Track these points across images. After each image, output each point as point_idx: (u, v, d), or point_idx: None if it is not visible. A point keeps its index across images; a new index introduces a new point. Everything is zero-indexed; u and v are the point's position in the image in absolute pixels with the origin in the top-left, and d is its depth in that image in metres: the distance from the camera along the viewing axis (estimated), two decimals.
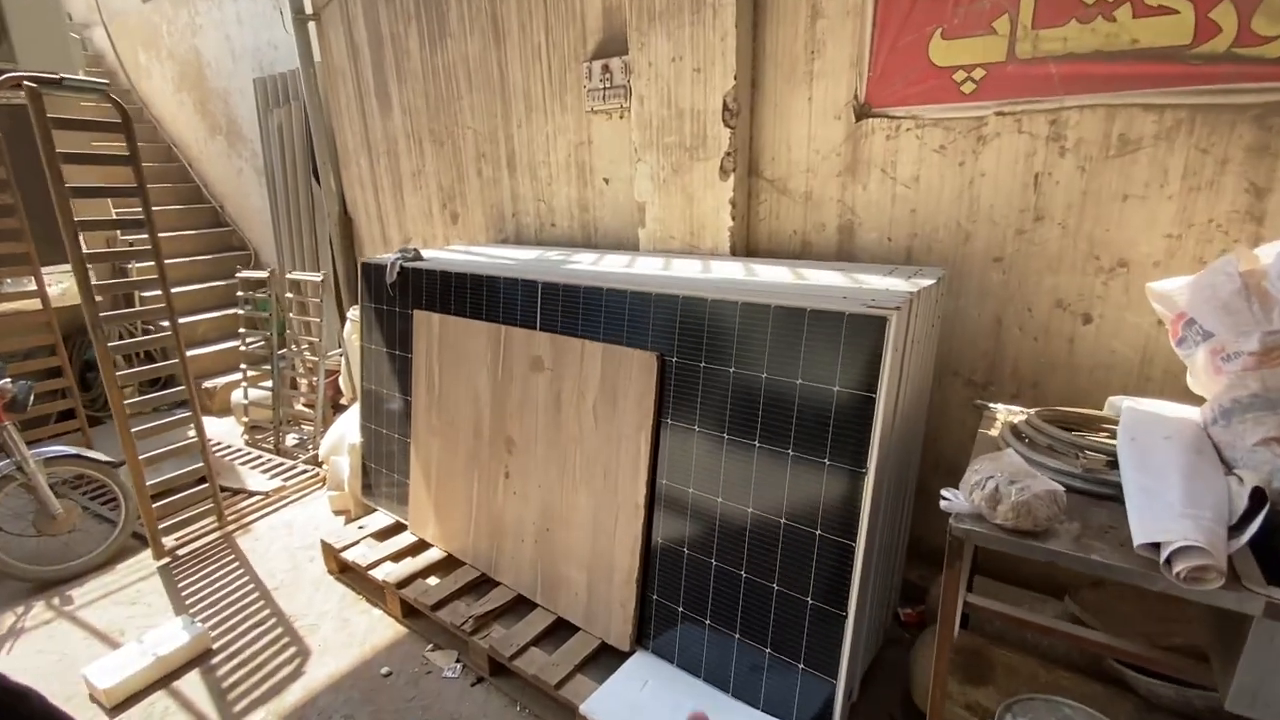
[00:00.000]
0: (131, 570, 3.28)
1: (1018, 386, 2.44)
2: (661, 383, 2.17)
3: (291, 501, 3.89)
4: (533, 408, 2.54)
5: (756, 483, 1.98)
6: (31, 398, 3.47)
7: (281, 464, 4.34)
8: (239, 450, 4.59)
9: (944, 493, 1.54)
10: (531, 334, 2.52)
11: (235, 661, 2.63)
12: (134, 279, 5.26)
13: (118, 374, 3.25)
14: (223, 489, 4.02)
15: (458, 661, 2.54)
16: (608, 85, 3.09)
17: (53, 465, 3.27)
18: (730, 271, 2.45)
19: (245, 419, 4.76)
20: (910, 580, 2.66)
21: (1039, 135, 2.20)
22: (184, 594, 3.07)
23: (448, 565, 3.01)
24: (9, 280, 4.63)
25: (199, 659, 2.64)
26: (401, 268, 3.06)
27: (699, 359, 2.08)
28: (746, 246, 2.94)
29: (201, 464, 3.49)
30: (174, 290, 5.89)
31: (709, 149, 2.75)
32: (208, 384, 5.48)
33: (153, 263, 3.38)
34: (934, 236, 2.47)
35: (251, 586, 3.10)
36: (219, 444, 4.73)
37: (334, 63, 4.49)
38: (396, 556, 3.06)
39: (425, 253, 3.31)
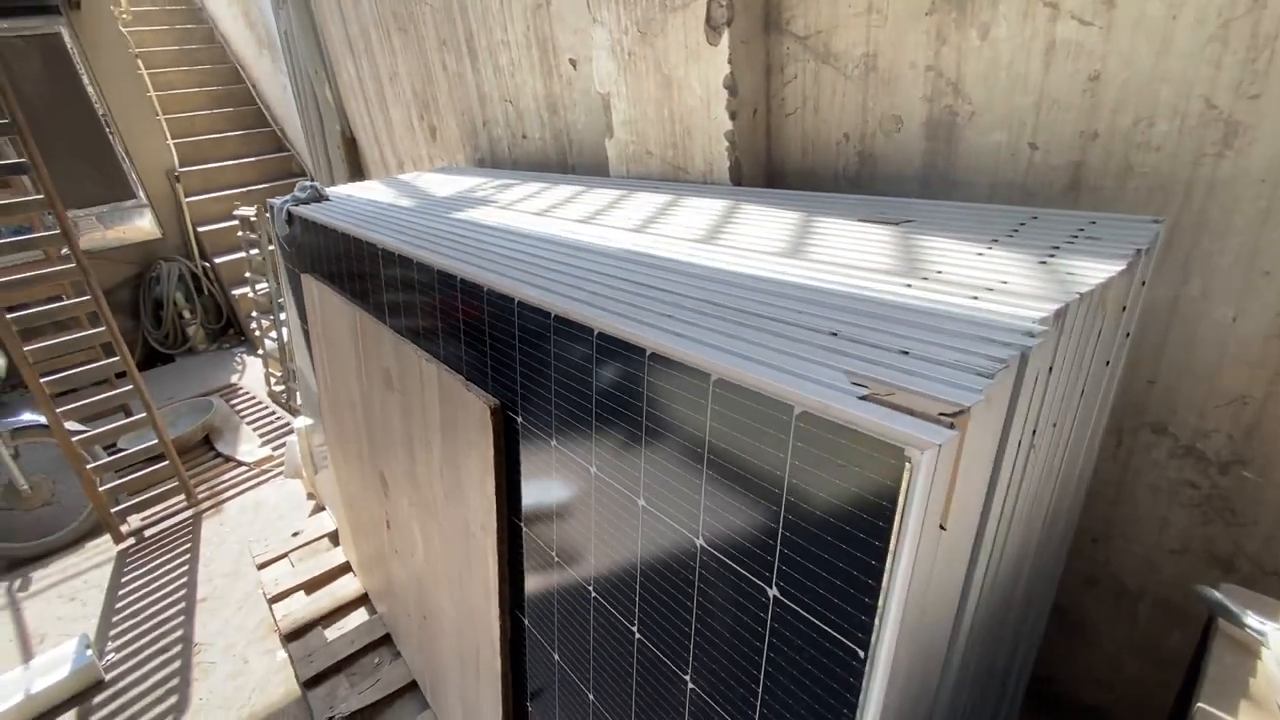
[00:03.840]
0: (95, 552, 3.04)
1: None
2: (509, 454, 1.16)
3: (273, 476, 3.47)
4: (393, 442, 1.66)
5: (641, 708, 0.95)
6: (1, 362, 3.26)
7: (287, 424, 3.95)
8: (258, 404, 4.29)
9: None
10: (380, 329, 1.59)
11: (112, 707, 2.21)
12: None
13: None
14: (217, 455, 3.73)
15: None
16: None
17: (21, 436, 3.03)
18: (692, 224, 1.30)
19: (266, 369, 4.44)
20: None
21: None
22: (120, 594, 2.74)
23: (370, 604, 2.35)
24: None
25: (85, 694, 2.26)
26: (289, 214, 2.22)
27: (546, 428, 1.02)
28: (766, 165, 1.70)
29: (156, 441, 3.10)
30: (230, 224, 5.72)
31: None
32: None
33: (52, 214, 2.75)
34: (1138, 136, 1.10)
35: (183, 594, 2.70)
36: (246, 394, 4.48)
37: None
38: (319, 582, 2.46)
39: (338, 190, 2.44)
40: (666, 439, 0.77)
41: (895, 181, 1.45)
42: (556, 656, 1.15)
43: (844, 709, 0.62)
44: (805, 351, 0.68)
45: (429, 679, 1.82)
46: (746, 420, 0.65)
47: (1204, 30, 0.99)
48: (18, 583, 2.90)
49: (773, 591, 0.67)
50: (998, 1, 1.18)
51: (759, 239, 1.13)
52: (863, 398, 0.57)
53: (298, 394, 4.14)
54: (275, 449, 3.66)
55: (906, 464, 0.51)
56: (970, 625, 0.81)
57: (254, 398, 4.40)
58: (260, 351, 4.37)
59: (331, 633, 2.24)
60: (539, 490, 1.09)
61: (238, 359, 5.28)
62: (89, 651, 2.32)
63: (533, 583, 1.18)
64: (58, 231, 2.72)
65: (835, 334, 0.71)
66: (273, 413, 4.14)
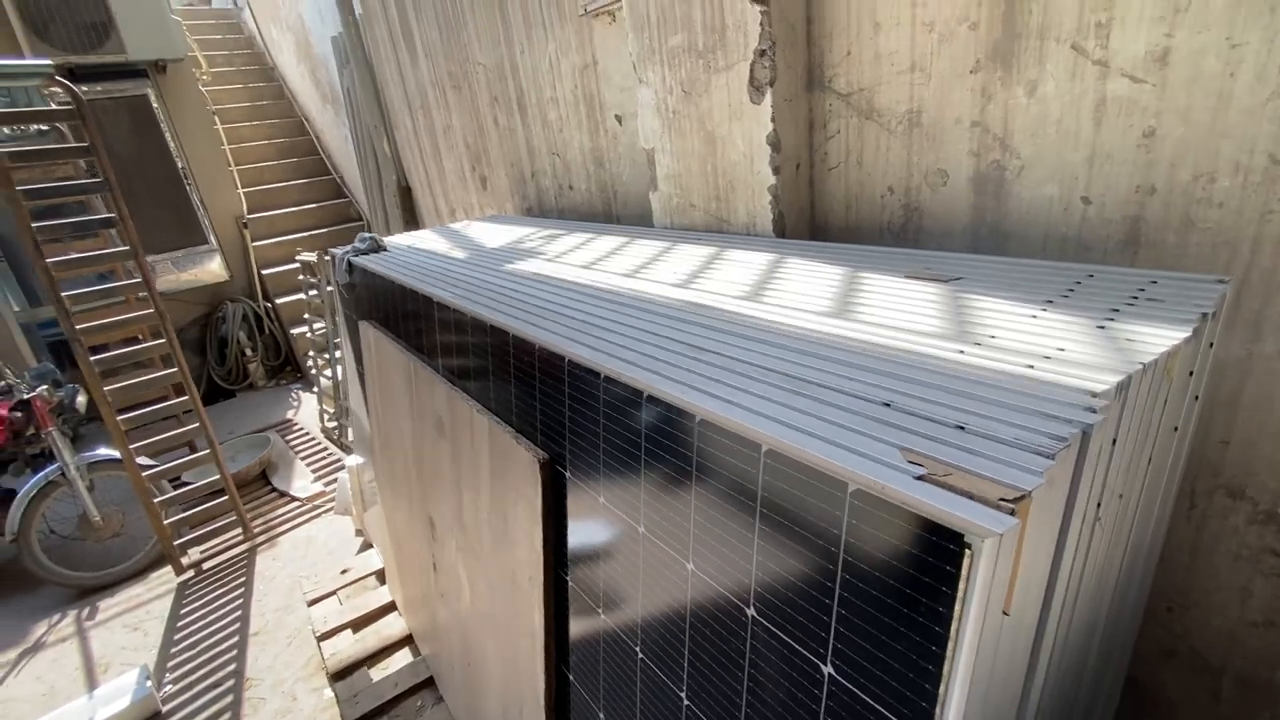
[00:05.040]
0: (158, 583, 3.17)
1: None
2: (557, 508, 1.18)
3: (325, 511, 3.57)
4: (443, 486, 1.70)
5: None
6: (80, 398, 3.48)
7: (338, 460, 4.08)
8: (312, 439, 4.45)
9: None
10: (434, 379, 1.65)
11: None
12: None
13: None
14: (273, 489, 3.86)
15: None
16: None
17: (97, 469, 3.22)
18: (736, 280, 1.32)
19: (320, 406, 4.61)
20: None
21: None
22: (179, 625, 2.84)
23: (415, 644, 2.37)
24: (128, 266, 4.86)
25: None
26: (349, 264, 2.34)
27: (595, 485, 1.04)
28: (810, 218, 1.72)
29: (218, 476, 3.24)
30: (290, 267, 6.04)
31: (730, 50, 1.56)
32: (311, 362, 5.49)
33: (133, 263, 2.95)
34: (1199, 191, 1.07)
35: (236, 628, 2.77)
36: (300, 429, 4.66)
37: (369, 5, 3.85)
38: (366, 620, 2.50)
39: (395, 240, 2.56)
40: (717, 505, 0.78)
41: (943, 234, 1.45)
42: (602, 716, 1.14)
43: None
44: (858, 423, 0.68)
45: None
46: (799, 493, 0.66)
47: (1265, 87, 0.97)
48: (86, 611, 3.03)
49: (827, 669, 0.66)
50: (1045, 60, 1.18)
51: (805, 296, 1.14)
52: (919, 478, 0.57)
53: (349, 431, 4.28)
54: (327, 485, 3.77)
55: (967, 550, 0.51)
56: (1037, 707, 0.78)
57: (308, 433, 4.56)
58: (315, 389, 4.54)
59: (376, 673, 2.27)
60: (586, 546, 1.11)
61: (294, 395, 5.50)
62: (148, 683, 2.40)
63: (579, 639, 1.18)
64: (139, 279, 2.93)
65: (888, 404, 0.71)
66: (325, 448, 4.28)
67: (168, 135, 5.48)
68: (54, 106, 3.94)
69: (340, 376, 4.22)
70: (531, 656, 1.30)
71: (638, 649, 0.99)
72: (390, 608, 2.55)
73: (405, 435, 1.94)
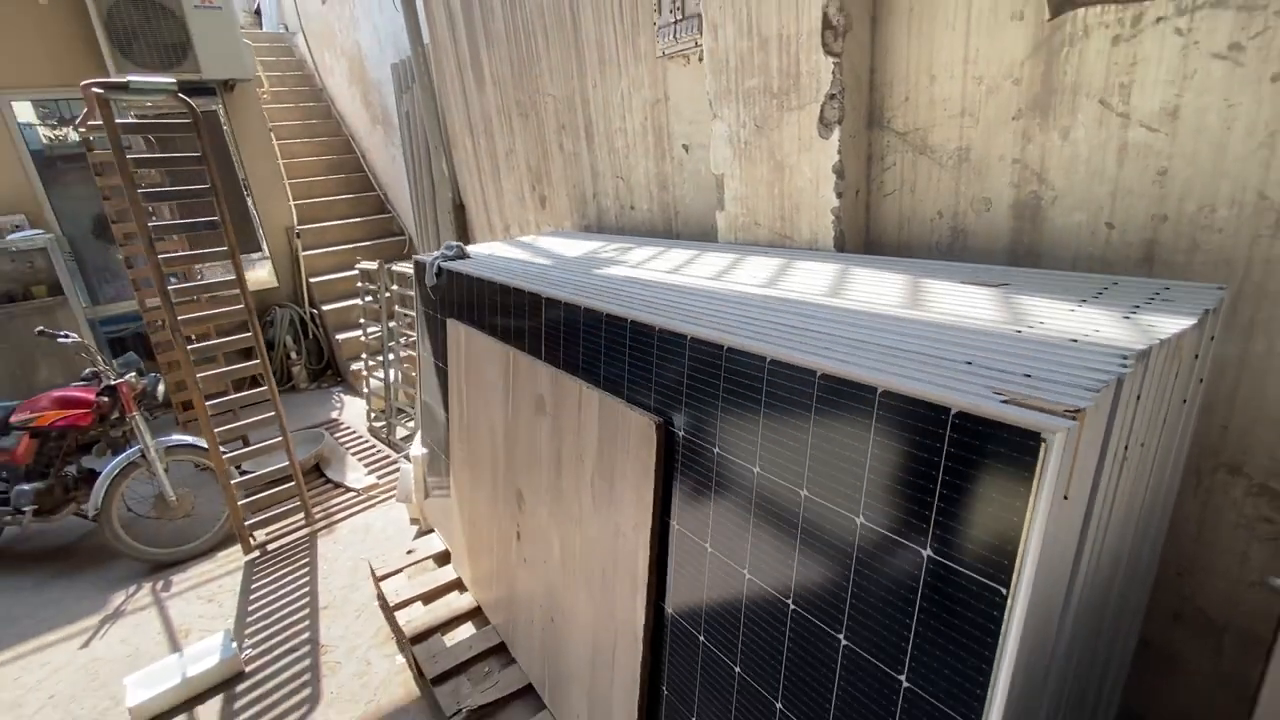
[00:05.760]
0: (227, 561, 3.39)
1: None
2: (668, 465, 1.42)
3: (380, 502, 3.80)
4: (538, 460, 1.93)
5: (790, 669, 1.16)
6: (161, 388, 3.74)
7: (387, 456, 4.31)
8: (359, 437, 4.69)
9: None
10: (535, 364, 1.90)
11: (254, 695, 2.48)
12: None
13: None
14: (327, 480, 4.09)
15: None
16: (679, 17, 2.28)
17: (173, 453, 3.46)
18: (813, 282, 1.57)
19: (369, 407, 4.86)
20: None
21: None
22: (251, 598, 3.06)
23: (482, 615, 2.58)
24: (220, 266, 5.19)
25: (228, 682, 2.54)
26: (439, 268, 2.61)
27: (710, 439, 1.28)
28: (866, 237, 1.98)
29: (287, 463, 3.48)
30: (336, 276, 6.35)
31: (803, 92, 1.84)
32: (356, 365, 5.76)
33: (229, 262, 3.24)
34: (1202, 220, 1.33)
35: (306, 601, 2.99)
36: (346, 428, 4.90)
37: (438, 36, 4.20)
38: (433, 595, 2.71)
39: (476, 249, 2.84)
40: (833, 440, 1.02)
41: (985, 252, 1.70)
42: (702, 638, 1.36)
43: (987, 638, 0.83)
44: (949, 373, 0.93)
45: (549, 681, 2.02)
46: (910, 420, 0.90)
47: (1254, 139, 1.23)
48: (160, 584, 3.25)
49: (927, 552, 0.89)
50: (1076, 111, 1.45)
51: (878, 295, 1.39)
52: (1005, 401, 0.81)
53: (398, 429, 4.53)
54: (381, 478, 4.00)
55: (1043, 444, 0.75)
56: (1080, 596, 1.00)
57: (355, 431, 4.80)
58: (366, 390, 4.80)
59: (449, 639, 2.47)
60: (697, 491, 1.34)
61: (335, 397, 5.76)
62: (233, 644, 2.61)
63: (682, 574, 1.41)
64: (233, 277, 3.22)
65: (969, 363, 0.96)
66: (373, 445, 4.52)
67: (232, 149, 5.85)
68: (132, 118, 4.29)
69: (392, 379, 4.48)
70: (632, 596, 1.53)
71: (745, 570, 1.22)
72: (454, 585, 2.76)
73: (495, 418, 2.18)
